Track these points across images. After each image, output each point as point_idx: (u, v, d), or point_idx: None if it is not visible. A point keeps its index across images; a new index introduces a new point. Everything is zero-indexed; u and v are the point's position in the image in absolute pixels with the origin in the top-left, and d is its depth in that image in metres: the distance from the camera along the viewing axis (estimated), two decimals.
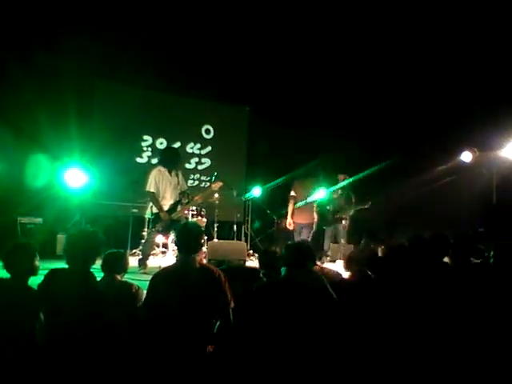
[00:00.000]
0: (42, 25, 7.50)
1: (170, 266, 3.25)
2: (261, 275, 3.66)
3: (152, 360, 2.84)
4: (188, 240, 3.12)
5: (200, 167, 10.12)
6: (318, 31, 8.82)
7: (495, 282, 3.44)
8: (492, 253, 3.65)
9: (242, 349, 2.93)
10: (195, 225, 3.62)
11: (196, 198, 6.69)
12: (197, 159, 10.08)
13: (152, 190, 6.26)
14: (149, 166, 8.81)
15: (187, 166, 9.74)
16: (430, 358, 2.95)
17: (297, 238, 7.45)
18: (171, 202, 6.36)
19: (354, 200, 7.93)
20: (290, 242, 3.31)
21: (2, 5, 7.02)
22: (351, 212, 7.86)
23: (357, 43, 8.99)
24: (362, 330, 3.01)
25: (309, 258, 3.21)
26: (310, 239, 7.41)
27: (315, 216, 7.67)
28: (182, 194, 6.46)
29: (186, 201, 6.53)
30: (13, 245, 3.04)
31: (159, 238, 6.96)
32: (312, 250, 3.31)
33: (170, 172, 6.40)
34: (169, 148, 8.18)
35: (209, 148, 10.20)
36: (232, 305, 3.05)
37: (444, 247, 3.76)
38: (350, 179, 7.58)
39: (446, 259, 3.82)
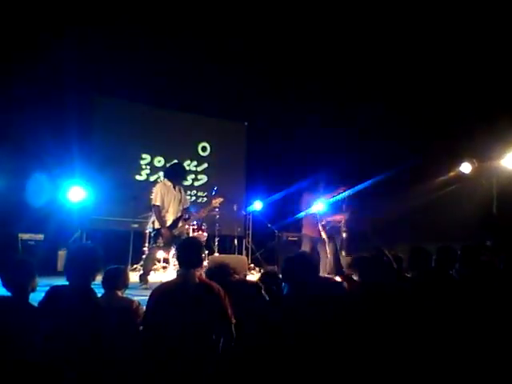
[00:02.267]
0: (42, 41, 7.58)
1: (169, 281, 3.25)
2: (262, 292, 3.63)
3: (154, 376, 2.83)
4: (189, 254, 3.15)
5: (196, 183, 10.14)
6: (312, 43, 8.92)
7: (503, 293, 3.43)
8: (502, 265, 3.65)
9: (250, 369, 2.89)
10: (195, 240, 3.84)
11: (197, 214, 6.73)
12: (193, 176, 10.10)
13: (158, 204, 6.28)
14: (148, 184, 8.87)
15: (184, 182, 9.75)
16: (433, 370, 2.93)
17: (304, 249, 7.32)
18: (174, 217, 6.36)
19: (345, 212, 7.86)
20: (290, 255, 3.24)
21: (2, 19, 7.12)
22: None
23: (353, 51, 9.08)
24: (360, 348, 2.97)
25: (310, 270, 3.16)
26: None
27: (320, 228, 7.46)
28: (185, 210, 6.49)
29: (187, 216, 6.55)
30: (13, 263, 3.05)
31: (160, 253, 6.95)
32: (314, 262, 3.26)
33: (174, 187, 6.43)
34: (176, 163, 8.19)
35: (205, 165, 10.24)
36: (233, 320, 3.02)
37: (450, 259, 3.74)
38: (350, 191, 7.53)
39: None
